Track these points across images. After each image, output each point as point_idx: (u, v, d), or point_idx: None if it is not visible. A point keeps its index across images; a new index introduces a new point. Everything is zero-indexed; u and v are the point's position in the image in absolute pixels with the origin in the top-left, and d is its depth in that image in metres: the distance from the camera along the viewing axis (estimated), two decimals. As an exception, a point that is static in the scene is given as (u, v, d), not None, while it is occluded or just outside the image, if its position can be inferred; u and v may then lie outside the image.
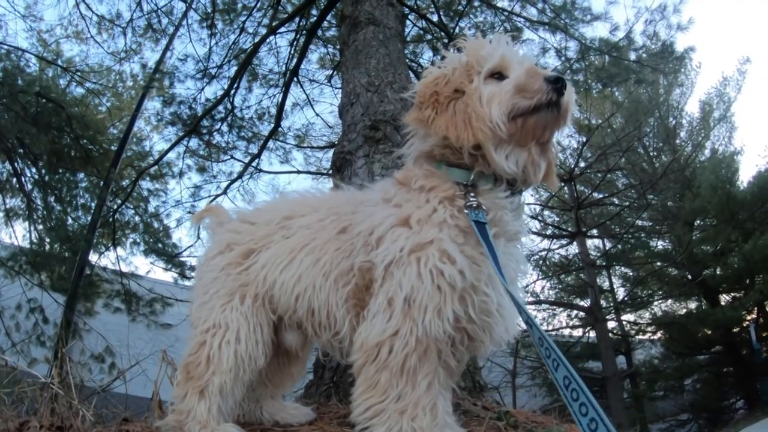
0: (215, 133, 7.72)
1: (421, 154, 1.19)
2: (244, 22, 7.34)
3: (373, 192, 1.25)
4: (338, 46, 5.27)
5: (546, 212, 14.36)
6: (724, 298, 14.06)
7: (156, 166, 7.98)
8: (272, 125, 7.41)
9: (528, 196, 14.27)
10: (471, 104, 1.07)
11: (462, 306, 1.03)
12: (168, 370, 2.31)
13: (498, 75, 1.11)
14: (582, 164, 13.22)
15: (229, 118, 7.58)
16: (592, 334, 12.94)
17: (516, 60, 1.11)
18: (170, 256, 7.80)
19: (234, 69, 7.32)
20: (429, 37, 7.96)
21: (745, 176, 15.28)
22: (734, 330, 13.45)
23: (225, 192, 7.61)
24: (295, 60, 7.05)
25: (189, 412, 1.23)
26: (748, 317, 13.21)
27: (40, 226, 7.14)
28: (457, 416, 1.40)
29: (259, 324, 1.27)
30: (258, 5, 7.37)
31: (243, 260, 1.31)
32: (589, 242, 14.07)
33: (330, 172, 3.64)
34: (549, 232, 14.03)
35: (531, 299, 13.72)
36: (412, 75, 4.46)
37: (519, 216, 1.15)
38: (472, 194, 1.09)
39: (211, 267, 1.34)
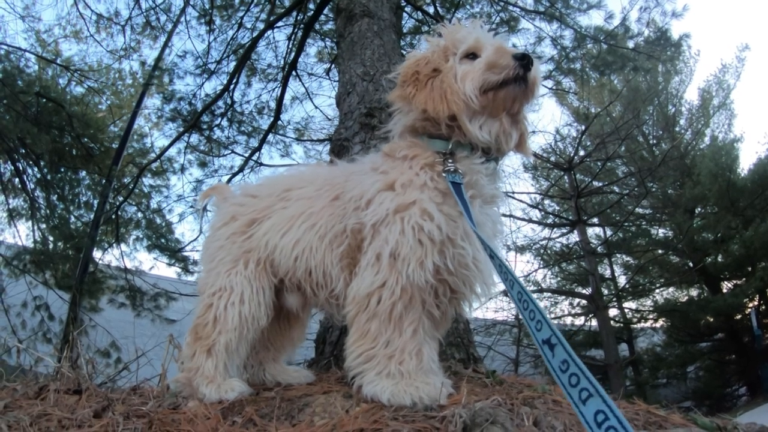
0: (215, 128, 7.78)
1: (405, 128, 1.31)
2: (242, 18, 7.40)
3: (363, 163, 1.37)
4: (335, 39, 5.34)
5: (546, 201, 14.44)
6: (726, 286, 14.09)
7: (157, 162, 8.06)
8: (272, 119, 7.46)
9: (528, 185, 14.29)
10: (446, 81, 1.20)
11: (441, 258, 1.15)
12: (175, 353, 2.41)
13: (472, 55, 1.24)
14: (581, 153, 13.29)
15: (228, 113, 7.65)
16: (595, 322, 13.04)
17: (489, 42, 1.23)
18: (173, 252, 7.86)
19: (233, 64, 7.38)
20: (426, 29, 8.00)
21: (745, 163, 15.28)
22: (736, 317, 13.48)
23: (217, 183, 7.68)
24: (293, 54, 7.13)
25: (197, 369, 1.36)
26: (750, 304, 13.23)
27: (43, 225, 7.19)
28: (446, 375, 1.51)
29: (261, 287, 1.39)
30: (255, 0, 7.43)
31: (247, 229, 1.44)
32: (590, 231, 14.14)
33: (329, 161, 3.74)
34: (549, 220, 14.12)
35: (533, 288, 13.86)
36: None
37: (494, 180, 1.27)
38: (450, 161, 1.21)
39: (217, 237, 1.47)
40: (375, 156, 1.35)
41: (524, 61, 1.16)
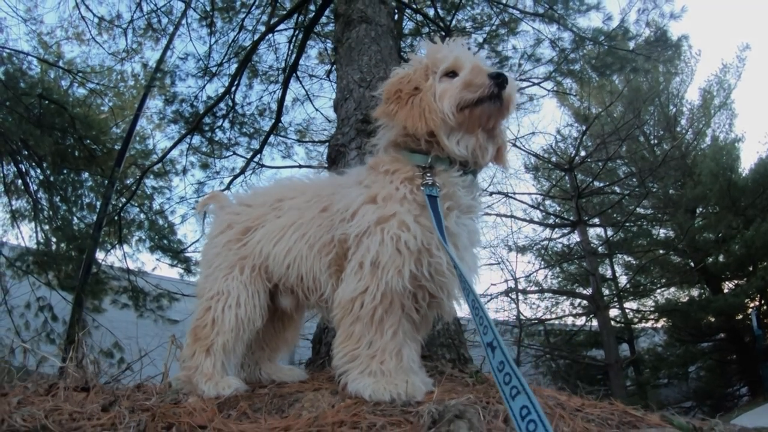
0: (217, 129, 7.84)
1: (388, 142, 1.41)
2: (243, 20, 7.47)
3: (350, 176, 1.47)
4: (334, 44, 5.40)
5: (547, 201, 14.49)
6: (727, 285, 14.07)
7: (160, 164, 8.12)
8: (273, 121, 7.54)
9: (529, 186, 14.31)
10: (425, 99, 1.29)
11: (418, 266, 1.25)
12: (177, 353, 2.49)
13: (452, 73, 1.33)
14: (582, 153, 13.32)
15: (230, 115, 7.71)
16: (595, 322, 13.07)
17: (469, 60, 1.31)
18: (176, 253, 7.89)
19: (234, 66, 7.45)
20: (426, 30, 8.05)
21: (746, 163, 15.25)
22: (737, 317, 13.46)
23: (228, 187, 7.71)
24: (294, 56, 7.19)
25: (197, 367, 1.46)
26: (751, 304, 13.20)
27: (46, 226, 7.22)
28: (432, 376, 1.59)
29: (256, 291, 1.50)
30: (256, 2, 7.50)
31: (242, 237, 1.54)
32: (591, 231, 14.18)
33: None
34: (550, 221, 14.16)
35: (534, 288, 13.93)
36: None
37: (471, 192, 1.36)
38: (428, 174, 1.30)
39: (215, 244, 1.57)
40: (361, 169, 1.45)
41: (499, 79, 1.25)
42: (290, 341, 1.75)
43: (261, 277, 1.51)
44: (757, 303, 13.18)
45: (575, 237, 13.48)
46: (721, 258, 13.60)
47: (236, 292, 1.46)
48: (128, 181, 8.34)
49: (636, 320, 14.82)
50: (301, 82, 7.90)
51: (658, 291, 15.00)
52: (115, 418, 1.07)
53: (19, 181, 7.19)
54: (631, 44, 7.87)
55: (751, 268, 12.95)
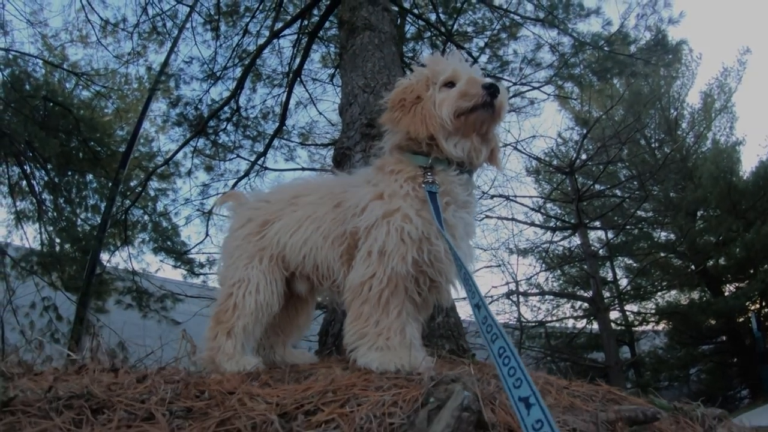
0: (221, 132, 7.92)
1: (393, 146, 1.60)
2: (247, 24, 7.59)
3: (359, 176, 1.66)
4: (338, 51, 5.55)
5: (548, 204, 14.59)
6: (728, 288, 14.12)
7: (164, 166, 8.16)
8: (277, 124, 7.66)
9: (530, 189, 14.33)
10: (426, 107, 1.48)
11: (419, 253, 1.43)
12: (187, 347, 2.63)
13: (451, 84, 1.51)
14: (583, 156, 13.42)
15: (234, 118, 7.82)
16: (597, 325, 13.12)
17: (465, 72, 1.48)
18: (179, 254, 7.97)
19: (239, 70, 7.57)
20: (428, 35, 8.19)
21: (746, 166, 15.31)
22: (738, 319, 13.51)
23: (232, 190, 7.85)
24: (298, 60, 7.33)
25: (219, 348, 1.62)
26: (751, 307, 13.24)
27: (51, 228, 7.22)
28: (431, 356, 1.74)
29: (274, 279, 1.67)
30: (260, 7, 7.63)
31: (261, 229, 1.72)
32: (592, 234, 14.26)
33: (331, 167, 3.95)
34: (551, 224, 14.26)
35: (535, 291, 14.02)
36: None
37: (467, 189, 1.55)
38: (429, 173, 1.49)
39: (235, 237, 1.75)
40: (369, 170, 1.64)
41: (491, 89, 1.43)
42: (302, 327, 1.92)
43: (278, 266, 1.68)
44: (757, 306, 13.23)
45: (576, 240, 13.57)
46: (721, 261, 13.67)
47: (256, 279, 1.63)
48: (132, 183, 8.40)
49: (637, 323, 14.87)
50: (304, 86, 8.03)
51: (659, 293, 15.06)
52: (151, 387, 1.21)
53: (24, 183, 7.20)
54: (632, 48, 8.01)
55: (751, 271, 12.99)
